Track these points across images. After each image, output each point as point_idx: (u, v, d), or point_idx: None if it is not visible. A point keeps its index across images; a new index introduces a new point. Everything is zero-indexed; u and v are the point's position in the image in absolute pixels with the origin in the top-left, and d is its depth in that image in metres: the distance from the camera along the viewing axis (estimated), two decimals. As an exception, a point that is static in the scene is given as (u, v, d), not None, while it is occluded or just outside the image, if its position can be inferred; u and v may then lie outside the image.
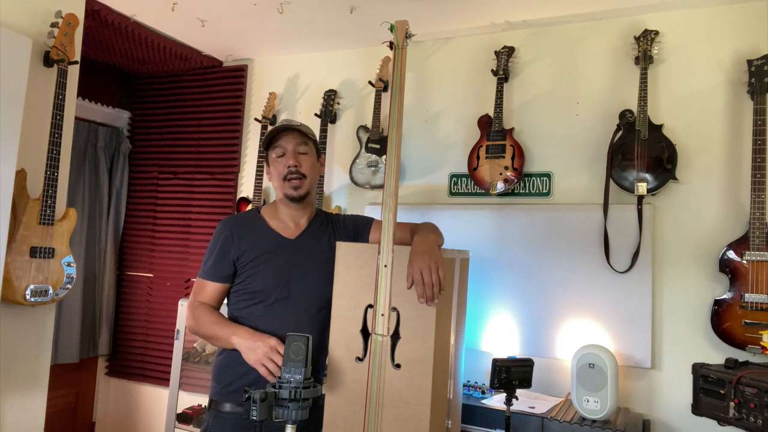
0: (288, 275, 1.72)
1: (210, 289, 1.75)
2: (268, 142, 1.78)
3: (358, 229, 1.85)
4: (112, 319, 3.64)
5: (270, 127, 3.25)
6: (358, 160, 2.99)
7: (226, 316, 1.79)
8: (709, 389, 1.95)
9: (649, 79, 2.45)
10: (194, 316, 1.72)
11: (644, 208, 2.43)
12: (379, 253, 1.53)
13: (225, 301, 1.81)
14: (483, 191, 2.74)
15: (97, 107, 3.56)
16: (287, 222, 1.80)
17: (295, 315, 1.70)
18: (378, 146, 2.94)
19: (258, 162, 3.23)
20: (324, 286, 1.68)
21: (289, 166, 1.72)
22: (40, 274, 2.23)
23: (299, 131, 1.75)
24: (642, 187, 2.38)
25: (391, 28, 1.60)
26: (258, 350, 1.56)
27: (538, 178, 2.69)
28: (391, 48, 1.60)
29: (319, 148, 1.85)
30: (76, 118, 2.85)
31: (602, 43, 2.64)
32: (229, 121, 3.47)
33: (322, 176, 3.06)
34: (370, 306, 1.54)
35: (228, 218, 1.84)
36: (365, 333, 1.54)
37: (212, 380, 1.76)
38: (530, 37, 2.78)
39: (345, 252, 1.62)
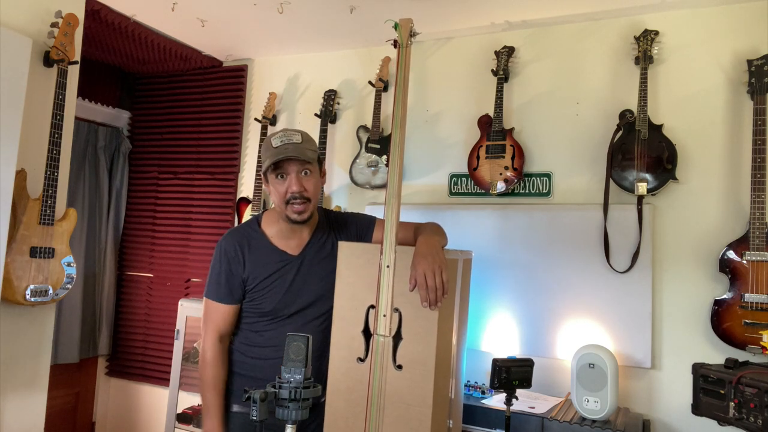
0: (295, 293, 1.72)
1: (224, 311, 1.73)
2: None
3: (361, 231, 1.83)
4: (112, 319, 3.63)
5: (270, 129, 3.25)
6: (358, 160, 2.99)
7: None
8: (709, 389, 1.95)
9: (649, 79, 2.45)
10: (204, 364, 1.73)
11: (644, 208, 2.43)
12: (381, 253, 1.53)
13: None
14: (483, 191, 2.74)
15: (97, 107, 3.56)
16: (290, 236, 1.75)
17: (301, 327, 1.70)
18: (378, 146, 2.94)
19: (258, 162, 3.23)
20: (329, 297, 1.66)
21: (292, 192, 1.64)
22: (40, 274, 2.22)
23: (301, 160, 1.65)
24: (642, 187, 2.38)
25: (396, 27, 1.60)
26: None
27: (538, 178, 2.69)
28: (395, 46, 1.60)
29: (321, 160, 1.77)
30: (76, 118, 2.85)
31: (602, 43, 2.64)
32: (229, 121, 3.46)
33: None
34: (372, 306, 1.54)
35: (229, 235, 1.77)
36: (367, 334, 1.53)
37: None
38: (530, 37, 2.78)
39: (347, 252, 1.61)
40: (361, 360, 1.53)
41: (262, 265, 1.71)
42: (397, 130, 1.59)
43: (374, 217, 1.88)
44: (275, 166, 1.64)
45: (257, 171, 3.20)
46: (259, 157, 3.24)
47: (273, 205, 1.75)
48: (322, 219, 1.84)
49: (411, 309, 1.49)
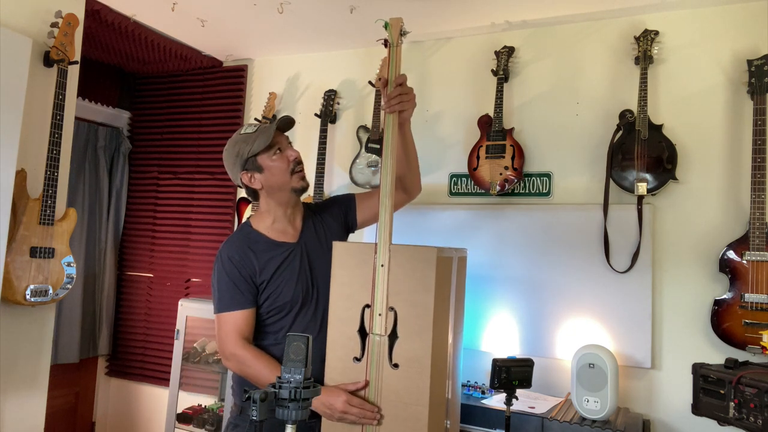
0: (306, 278, 1.72)
1: (241, 319, 1.64)
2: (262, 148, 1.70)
3: (345, 209, 1.88)
4: (112, 319, 3.64)
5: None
6: (358, 160, 2.99)
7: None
8: (709, 389, 1.95)
9: (649, 79, 2.45)
10: (243, 363, 1.61)
11: (644, 208, 2.42)
12: (375, 252, 1.53)
13: None
14: (483, 191, 2.74)
15: (97, 107, 3.56)
16: (285, 226, 1.77)
17: (320, 315, 1.71)
18: (378, 146, 2.94)
19: (258, 162, 3.23)
20: None
21: (295, 158, 1.72)
22: (40, 274, 2.23)
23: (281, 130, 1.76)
24: (642, 187, 2.38)
25: (386, 26, 1.60)
26: (335, 412, 1.51)
27: (538, 178, 2.68)
28: (385, 46, 1.60)
29: None
30: (76, 118, 2.85)
31: (602, 43, 2.63)
32: (229, 121, 3.47)
33: (322, 176, 3.05)
34: (368, 306, 1.54)
35: (227, 243, 1.74)
36: (363, 333, 1.53)
37: (237, 388, 1.73)
38: (530, 37, 2.78)
39: (341, 252, 1.61)
40: (358, 359, 1.53)
41: (269, 259, 1.70)
42: (389, 131, 1.60)
43: (352, 194, 1.92)
44: (270, 144, 1.69)
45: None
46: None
47: (257, 206, 1.79)
48: (305, 209, 1.86)
49: (406, 308, 1.49)
